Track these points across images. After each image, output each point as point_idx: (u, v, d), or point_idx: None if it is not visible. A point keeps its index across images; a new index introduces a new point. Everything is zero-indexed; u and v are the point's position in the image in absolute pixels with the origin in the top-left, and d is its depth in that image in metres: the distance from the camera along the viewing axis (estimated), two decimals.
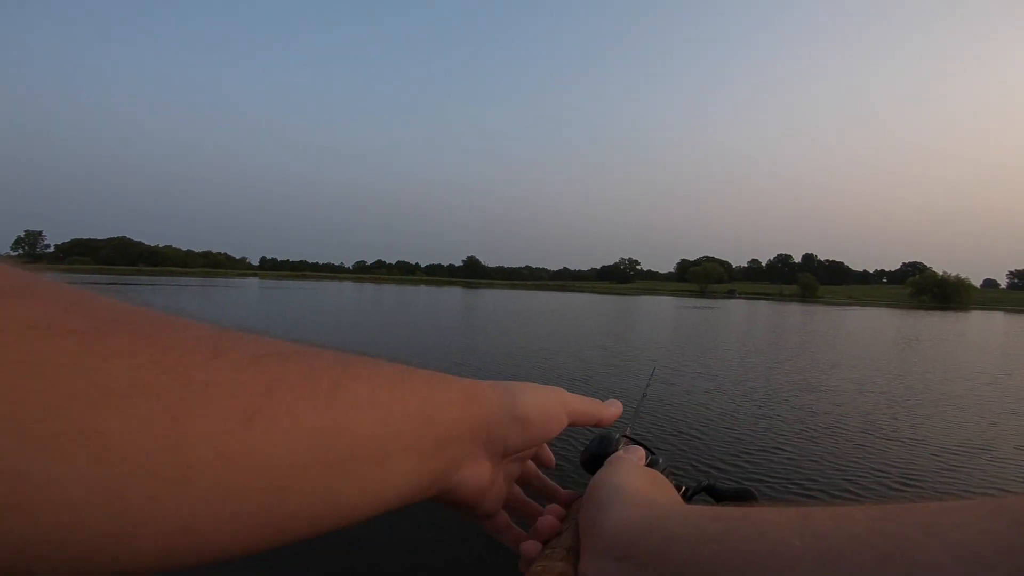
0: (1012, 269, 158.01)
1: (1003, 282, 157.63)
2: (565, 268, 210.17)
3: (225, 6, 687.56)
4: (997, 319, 37.36)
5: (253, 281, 63.96)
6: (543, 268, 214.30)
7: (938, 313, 44.95)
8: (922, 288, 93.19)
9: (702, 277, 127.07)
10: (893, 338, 16.92)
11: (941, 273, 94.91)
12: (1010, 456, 4.65)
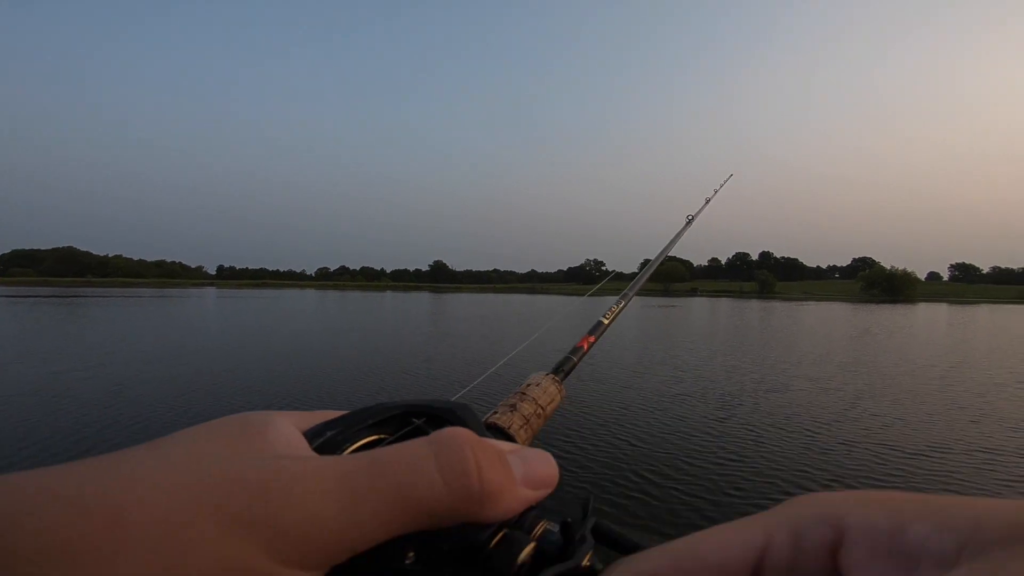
0: (953, 262, 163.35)
1: (945, 275, 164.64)
2: (533, 271, 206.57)
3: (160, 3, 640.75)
4: (942, 310, 39.33)
5: (210, 291, 61.83)
6: (511, 271, 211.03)
7: (887, 306, 47.02)
8: (872, 282, 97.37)
9: (665, 276, 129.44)
10: (847, 333, 17.53)
11: (889, 267, 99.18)
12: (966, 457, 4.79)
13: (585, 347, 0.63)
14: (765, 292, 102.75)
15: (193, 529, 0.16)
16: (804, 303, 51.16)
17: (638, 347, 11.43)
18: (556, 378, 0.53)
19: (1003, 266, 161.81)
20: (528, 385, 0.49)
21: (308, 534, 0.18)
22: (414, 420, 0.25)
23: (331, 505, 0.18)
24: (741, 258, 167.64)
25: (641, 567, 0.21)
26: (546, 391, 0.49)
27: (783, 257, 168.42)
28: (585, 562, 0.23)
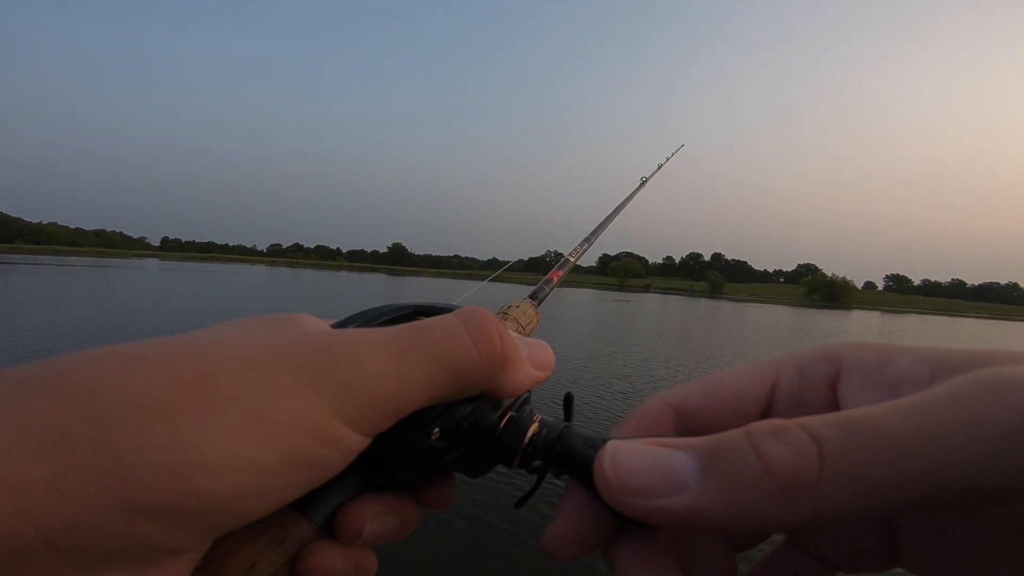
0: (888, 273, 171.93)
1: (880, 284, 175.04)
2: (495, 258, 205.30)
3: None
4: (874, 318, 41.79)
5: (152, 262, 58.87)
6: (472, 258, 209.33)
7: (826, 311, 49.52)
8: (813, 288, 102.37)
9: (622, 272, 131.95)
10: (786, 334, 18.32)
11: (830, 275, 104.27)
12: None
13: (555, 279, 0.69)
14: (715, 292, 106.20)
15: (273, 384, 0.19)
16: (750, 304, 53.14)
17: (590, 341, 11.58)
18: (533, 302, 0.57)
19: (932, 279, 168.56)
20: (509, 307, 0.53)
21: (368, 390, 0.20)
22: (420, 317, 0.27)
23: (386, 362, 0.20)
24: (694, 258, 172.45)
25: (669, 396, 0.25)
26: (525, 312, 0.53)
27: (733, 259, 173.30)
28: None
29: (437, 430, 0.23)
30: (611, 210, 1.02)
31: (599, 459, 0.20)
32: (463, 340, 0.22)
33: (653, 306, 33.29)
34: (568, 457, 0.23)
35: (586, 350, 9.84)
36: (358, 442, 0.20)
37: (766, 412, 0.24)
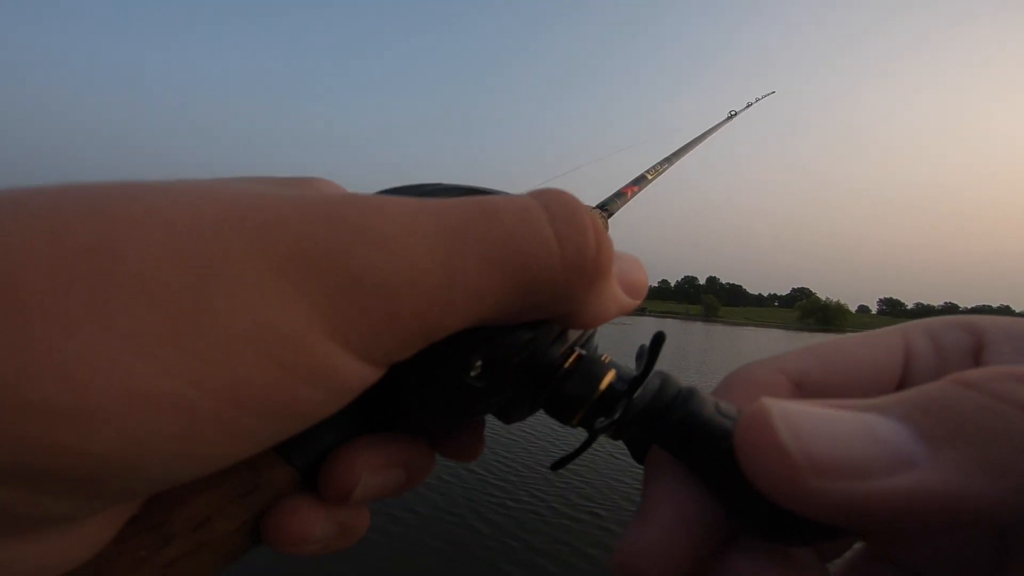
0: (882, 296, 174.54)
1: (874, 308, 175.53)
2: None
3: None
4: None
5: None
6: None
7: (820, 334, 49.41)
8: (808, 312, 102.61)
9: None
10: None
11: (824, 298, 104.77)
12: None
13: (629, 194, 0.63)
14: (710, 315, 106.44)
15: (227, 268, 0.12)
16: (745, 327, 53.25)
17: None
18: (603, 214, 0.49)
19: (925, 303, 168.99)
20: None
21: (389, 293, 0.13)
22: None
23: (424, 251, 0.13)
24: (689, 281, 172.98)
25: (784, 364, 0.19)
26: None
27: (728, 283, 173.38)
28: None
29: (479, 363, 0.16)
30: (697, 135, 0.98)
31: (760, 419, 0.13)
32: (544, 234, 0.15)
33: (649, 329, 33.22)
34: (684, 425, 0.17)
35: None
36: (362, 375, 0.14)
37: (901, 385, 0.19)
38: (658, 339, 0.19)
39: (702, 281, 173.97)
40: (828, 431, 0.13)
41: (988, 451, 0.12)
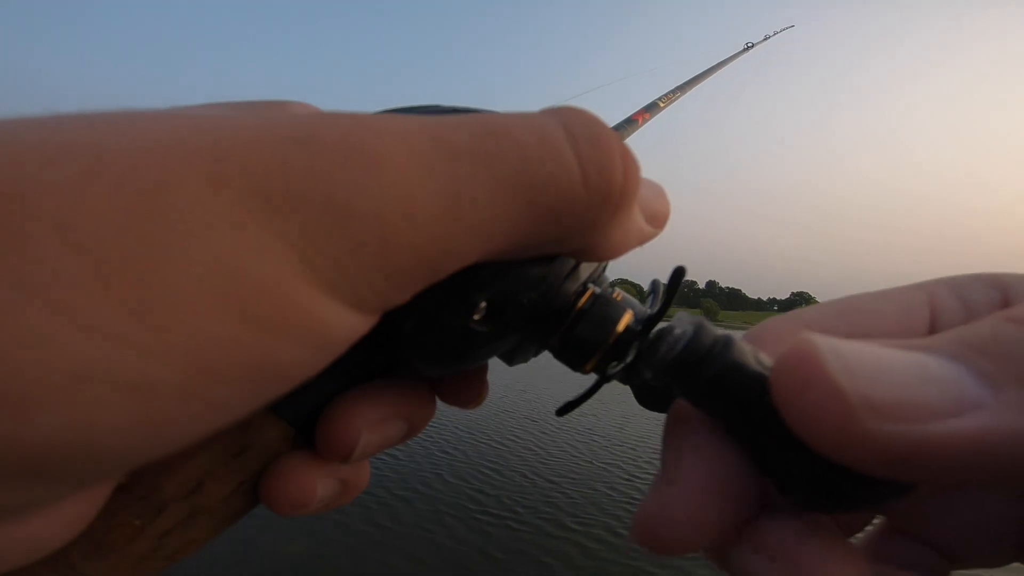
0: None
1: None
2: None
3: None
4: None
5: None
6: None
7: None
8: None
9: None
10: None
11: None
12: None
13: (640, 121, 0.53)
14: (709, 319, 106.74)
15: (182, 200, 0.09)
16: (744, 331, 53.29)
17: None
18: None
19: None
20: None
21: (382, 225, 0.11)
22: None
23: (423, 173, 0.11)
24: (688, 286, 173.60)
25: (810, 318, 0.17)
26: None
27: (727, 287, 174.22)
28: None
29: (484, 305, 0.15)
30: (711, 66, 0.87)
31: (809, 356, 0.11)
32: (565, 156, 0.13)
33: None
34: (720, 378, 0.14)
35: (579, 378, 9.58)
36: (351, 326, 0.12)
37: None
38: (678, 273, 0.17)
39: (701, 285, 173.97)
40: (883, 369, 0.11)
41: None
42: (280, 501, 0.16)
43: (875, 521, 0.19)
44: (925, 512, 0.18)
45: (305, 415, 0.16)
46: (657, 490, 0.14)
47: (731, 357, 0.14)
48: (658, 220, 0.17)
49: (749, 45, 1.22)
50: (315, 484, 0.16)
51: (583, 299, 0.16)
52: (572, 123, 0.13)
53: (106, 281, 0.09)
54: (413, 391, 0.18)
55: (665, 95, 0.75)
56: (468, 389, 0.19)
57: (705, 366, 0.14)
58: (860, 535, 0.19)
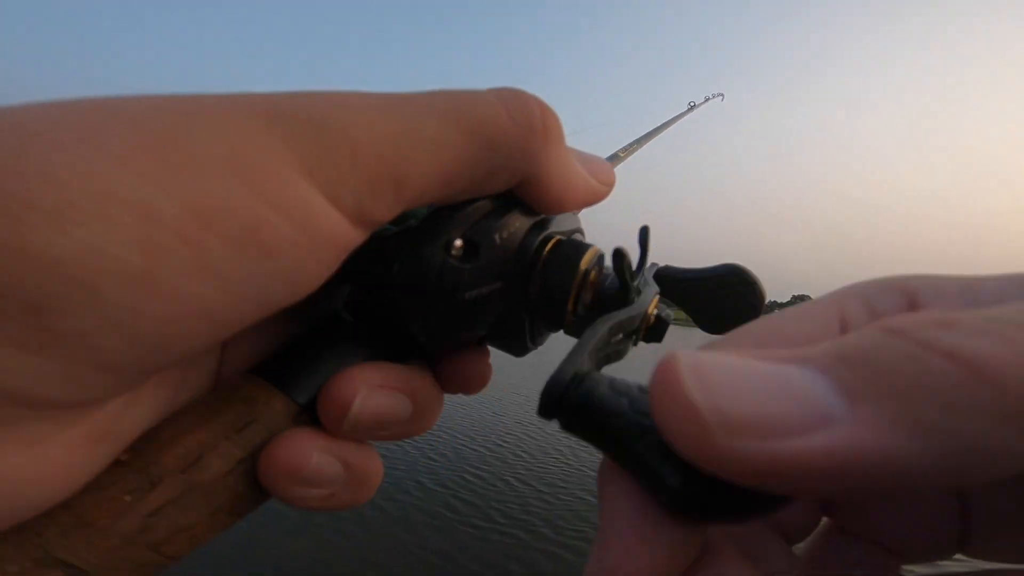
0: None
1: None
2: None
3: None
4: None
5: None
6: None
7: None
8: None
9: None
10: None
11: None
12: None
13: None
14: None
15: (207, 111, 0.13)
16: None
17: None
18: None
19: None
20: None
21: (356, 141, 0.14)
22: None
23: (384, 113, 0.15)
24: None
25: (734, 338, 0.17)
26: None
27: None
28: (651, 309, 0.19)
29: (459, 243, 0.17)
30: (655, 127, 0.98)
31: (669, 372, 0.11)
32: (491, 101, 0.16)
33: None
34: (582, 409, 0.14)
35: None
36: (343, 229, 0.14)
37: None
38: (643, 232, 0.20)
39: None
40: (742, 384, 0.11)
41: (911, 406, 0.10)
42: (274, 469, 0.16)
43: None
44: (865, 512, 0.18)
45: (311, 394, 0.16)
46: (594, 554, 0.14)
47: (584, 388, 0.14)
48: (602, 175, 0.19)
49: (692, 104, 1.29)
50: (311, 452, 0.16)
51: (549, 244, 0.18)
52: (499, 89, 0.17)
53: (151, 144, 0.12)
54: (416, 371, 0.18)
55: (624, 147, 0.86)
56: (471, 371, 0.20)
57: (566, 401, 0.14)
58: (804, 541, 0.19)
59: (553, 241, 0.18)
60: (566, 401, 0.14)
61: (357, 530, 2.47)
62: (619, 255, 0.18)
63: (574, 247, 0.18)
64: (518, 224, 0.18)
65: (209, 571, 1.97)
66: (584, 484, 3.50)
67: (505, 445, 4.02)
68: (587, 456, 4.29)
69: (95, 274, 0.11)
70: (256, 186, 0.12)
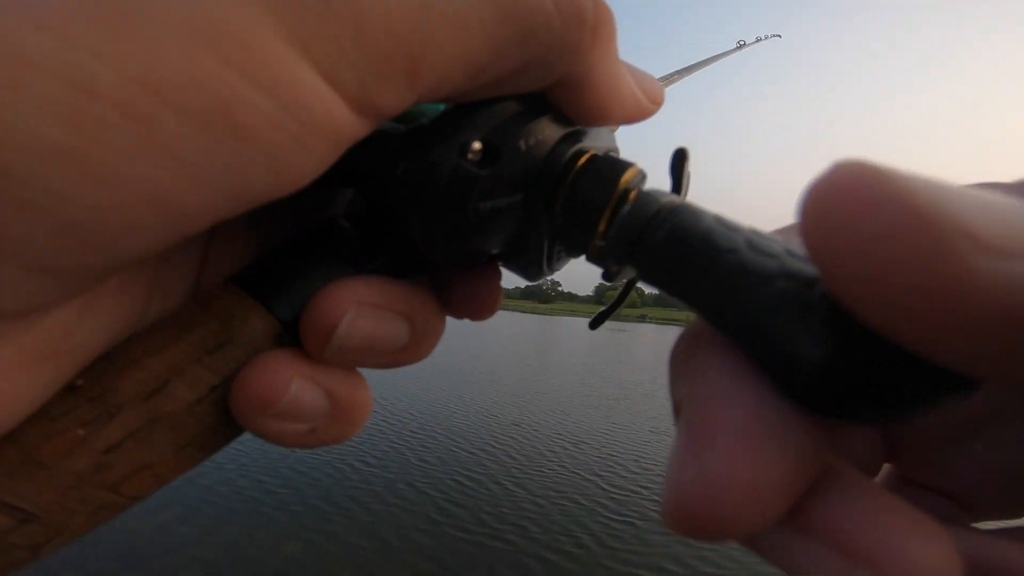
0: None
1: None
2: None
3: None
4: None
5: None
6: None
7: None
8: None
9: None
10: None
11: None
12: None
13: None
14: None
15: None
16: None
17: (590, 375, 11.44)
18: None
19: None
20: None
21: (358, 12, 0.11)
22: None
23: None
24: None
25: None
26: None
27: None
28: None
29: (478, 145, 0.14)
30: (705, 58, 0.94)
31: (871, 175, 0.08)
32: None
33: (649, 336, 33.22)
34: (669, 243, 0.12)
35: (584, 380, 9.67)
36: (340, 115, 0.11)
37: None
38: (680, 154, 0.17)
39: None
40: (972, 201, 0.08)
41: None
42: (247, 399, 0.14)
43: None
44: (938, 458, 0.16)
45: (296, 312, 0.14)
46: (691, 462, 0.10)
47: (679, 220, 0.12)
48: (652, 93, 0.17)
49: (741, 43, 1.26)
50: (289, 378, 0.14)
51: (583, 158, 0.15)
52: None
53: (85, 6, 0.09)
54: (418, 289, 0.16)
55: (661, 79, 0.79)
56: (480, 292, 0.17)
57: (648, 236, 0.13)
58: None
59: (588, 155, 0.16)
60: (650, 232, 0.12)
61: (348, 533, 2.46)
62: (680, 154, 0.16)
63: (612, 163, 0.15)
64: (548, 132, 0.15)
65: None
66: (579, 488, 3.48)
67: (499, 446, 4.01)
68: (582, 458, 4.27)
69: (4, 150, 0.09)
70: (228, 55, 0.10)
